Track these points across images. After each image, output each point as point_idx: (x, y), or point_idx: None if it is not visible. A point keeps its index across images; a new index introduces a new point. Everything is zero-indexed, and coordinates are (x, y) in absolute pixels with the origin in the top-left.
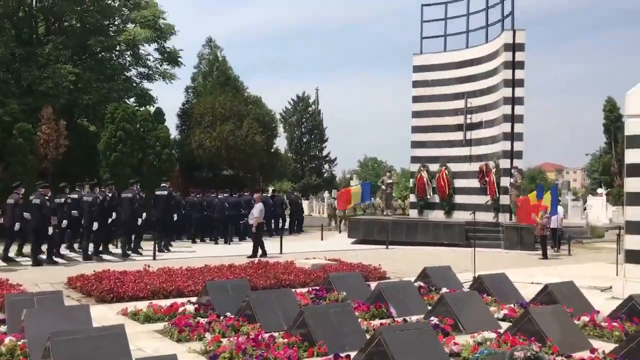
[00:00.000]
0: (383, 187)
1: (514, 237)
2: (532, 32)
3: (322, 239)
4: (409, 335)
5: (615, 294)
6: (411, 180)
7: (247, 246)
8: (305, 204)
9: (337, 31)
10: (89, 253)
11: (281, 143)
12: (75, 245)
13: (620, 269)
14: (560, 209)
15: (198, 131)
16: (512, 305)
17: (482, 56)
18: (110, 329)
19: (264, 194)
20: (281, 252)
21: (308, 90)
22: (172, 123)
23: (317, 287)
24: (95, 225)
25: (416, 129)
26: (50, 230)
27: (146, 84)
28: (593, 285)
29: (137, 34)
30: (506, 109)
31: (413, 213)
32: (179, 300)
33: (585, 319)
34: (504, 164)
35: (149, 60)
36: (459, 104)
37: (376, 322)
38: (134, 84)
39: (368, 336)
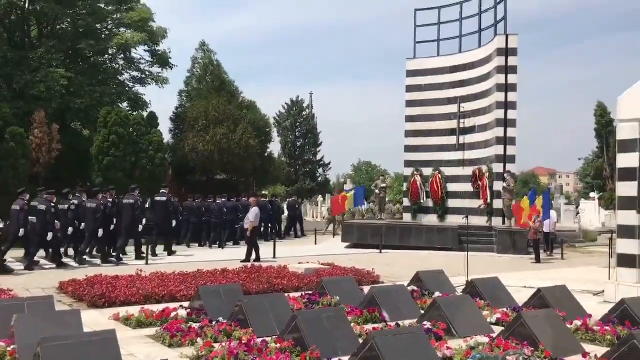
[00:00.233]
0: (377, 191)
1: (507, 241)
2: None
3: (315, 243)
4: (402, 339)
5: (608, 298)
6: (405, 184)
7: (241, 250)
8: None
9: (330, 36)
10: (84, 257)
11: (275, 147)
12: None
13: (612, 273)
14: (553, 213)
15: (191, 135)
16: (505, 310)
17: (475, 61)
18: (101, 334)
19: (262, 199)
20: (275, 257)
21: (302, 94)
22: (165, 127)
23: (311, 292)
24: (101, 232)
25: (410, 133)
26: (50, 235)
27: (139, 89)
28: (586, 289)
29: (129, 38)
30: (499, 114)
31: (407, 217)
32: (172, 305)
33: (578, 323)
34: (497, 168)
35: (141, 63)
36: (452, 108)
37: (369, 327)
38: (127, 88)
39: (361, 341)
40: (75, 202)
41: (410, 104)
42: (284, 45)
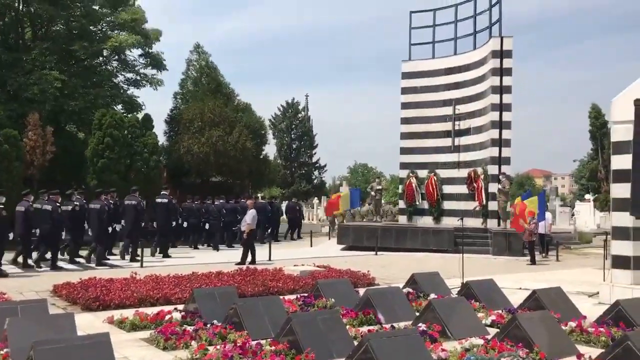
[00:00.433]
0: (372, 193)
1: (502, 243)
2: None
3: (311, 246)
4: (397, 341)
5: (602, 299)
6: (400, 186)
7: (237, 253)
8: None
9: (326, 38)
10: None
11: (270, 150)
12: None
13: (607, 275)
14: (548, 214)
15: (186, 137)
16: (500, 311)
17: (470, 63)
18: (94, 338)
19: (261, 201)
20: (270, 259)
21: (297, 96)
22: (159, 129)
23: (306, 294)
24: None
25: (405, 135)
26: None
27: (134, 91)
28: (580, 290)
29: (122, 39)
30: (494, 116)
31: (402, 219)
32: (166, 308)
33: (573, 324)
34: (492, 170)
35: (135, 65)
36: (448, 110)
37: (364, 329)
38: (121, 91)
39: (356, 343)
40: (77, 203)
41: (405, 106)
42: (279, 48)
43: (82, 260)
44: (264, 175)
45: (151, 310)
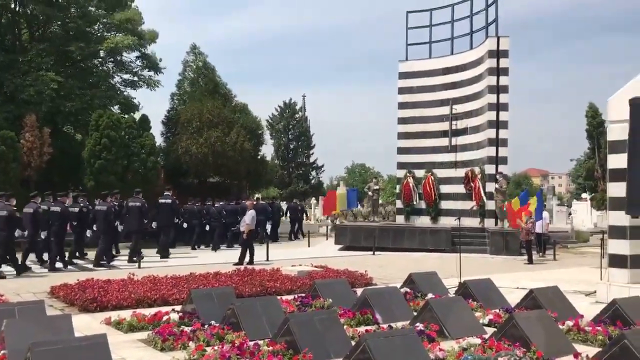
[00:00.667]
0: (370, 193)
1: (499, 243)
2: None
3: (309, 246)
4: (394, 341)
5: (599, 298)
6: (397, 186)
7: (235, 253)
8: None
9: (322, 38)
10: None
11: (268, 150)
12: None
13: (604, 274)
14: (545, 214)
15: (185, 137)
16: (497, 311)
17: (466, 63)
18: (92, 339)
19: (262, 201)
20: (268, 259)
21: (294, 97)
22: (156, 130)
23: (303, 294)
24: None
25: (402, 135)
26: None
27: (130, 92)
28: (577, 289)
29: (118, 41)
30: (491, 115)
31: (399, 219)
32: (164, 309)
33: (570, 323)
34: (489, 169)
35: (131, 67)
36: (445, 110)
37: (362, 329)
38: (118, 92)
39: (353, 343)
40: (82, 204)
41: (402, 106)
42: (277, 48)
43: (80, 262)
44: (262, 175)
45: (149, 311)
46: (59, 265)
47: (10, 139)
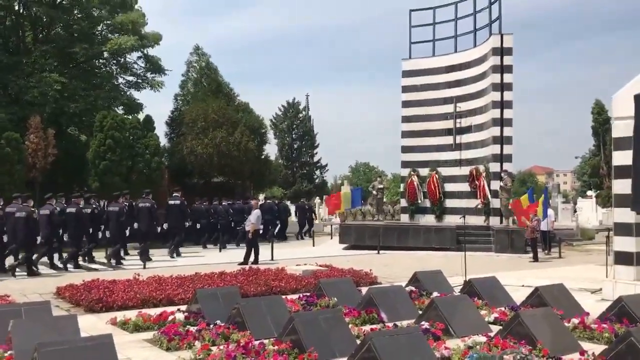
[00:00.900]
0: (374, 192)
1: (504, 241)
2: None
3: (313, 245)
4: (399, 340)
5: (605, 295)
6: (402, 185)
7: (240, 253)
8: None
9: (325, 37)
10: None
11: (271, 150)
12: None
13: (609, 271)
14: (550, 211)
15: (190, 137)
16: (502, 309)
17: (470, 60)
18: (97, 339)
19: (269, 200)
20: (272, 259)
21: (298, 96)
22: (160, 131)
23: (308, 293)
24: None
25: (406, 134)
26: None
27: (134, 93)
28: (583, 287)
29: (122, 42)
30: (495, 113)
31: (404, 218)
32: (169, 309)
33: (575, 321)
34: (494, 167)
35: (135, 68)
36: (449, 108)
37: (367, 328)
38: (121, 93)
39: (359, 342)
40: (95, 205)
41: (406, 104)
42: (279, 47)
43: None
44: (265, 175)
45: (154, 311)
46: (69, 266)
47: (15, 140)
